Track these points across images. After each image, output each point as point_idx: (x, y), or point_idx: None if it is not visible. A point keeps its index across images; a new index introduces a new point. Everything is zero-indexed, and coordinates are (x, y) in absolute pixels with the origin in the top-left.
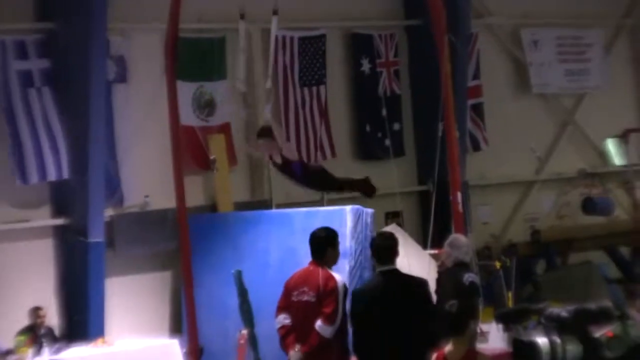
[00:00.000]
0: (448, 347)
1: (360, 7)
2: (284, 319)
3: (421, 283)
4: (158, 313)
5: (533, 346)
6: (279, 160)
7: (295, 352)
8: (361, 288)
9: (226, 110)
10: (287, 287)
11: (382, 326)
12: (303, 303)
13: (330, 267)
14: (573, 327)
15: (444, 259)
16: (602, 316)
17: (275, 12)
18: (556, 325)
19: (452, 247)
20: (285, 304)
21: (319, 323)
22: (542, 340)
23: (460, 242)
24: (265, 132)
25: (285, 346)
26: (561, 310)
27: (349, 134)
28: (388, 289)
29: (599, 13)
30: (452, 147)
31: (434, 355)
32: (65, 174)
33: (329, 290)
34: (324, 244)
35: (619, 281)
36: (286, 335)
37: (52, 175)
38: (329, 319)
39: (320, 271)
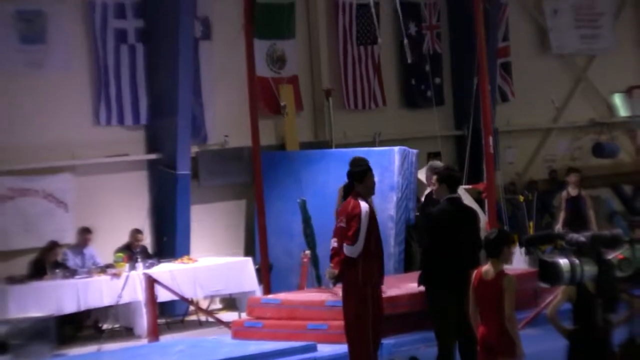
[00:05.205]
0: (485, 267)
1: None
2: (333, 242)
3: (474, 211)
4: (234, 235)
5: (556, 265)
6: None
7: (328, 269)
8: (435, 210)
9: (294, 64)
10: (336, 216)
11: (448, 241)
12: (339, 229)
13: (365, 198)
14: (589, 250)
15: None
16: (615, 241)
17: None
18: (574, 249)
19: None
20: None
21: (344, 244)
22: (563, 261)
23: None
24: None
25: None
26: (579, 235)
27: (397, 86)
28: (455, 212)
29: None
30: (484, 98)
31: (475, 272)
32: (144, 120)
33: (353, 215)
34: (351, 179)
35: (622, 214)
36: (333, 256)
37: (129, 120)
38: (350, 239)
39: (352, 201)
